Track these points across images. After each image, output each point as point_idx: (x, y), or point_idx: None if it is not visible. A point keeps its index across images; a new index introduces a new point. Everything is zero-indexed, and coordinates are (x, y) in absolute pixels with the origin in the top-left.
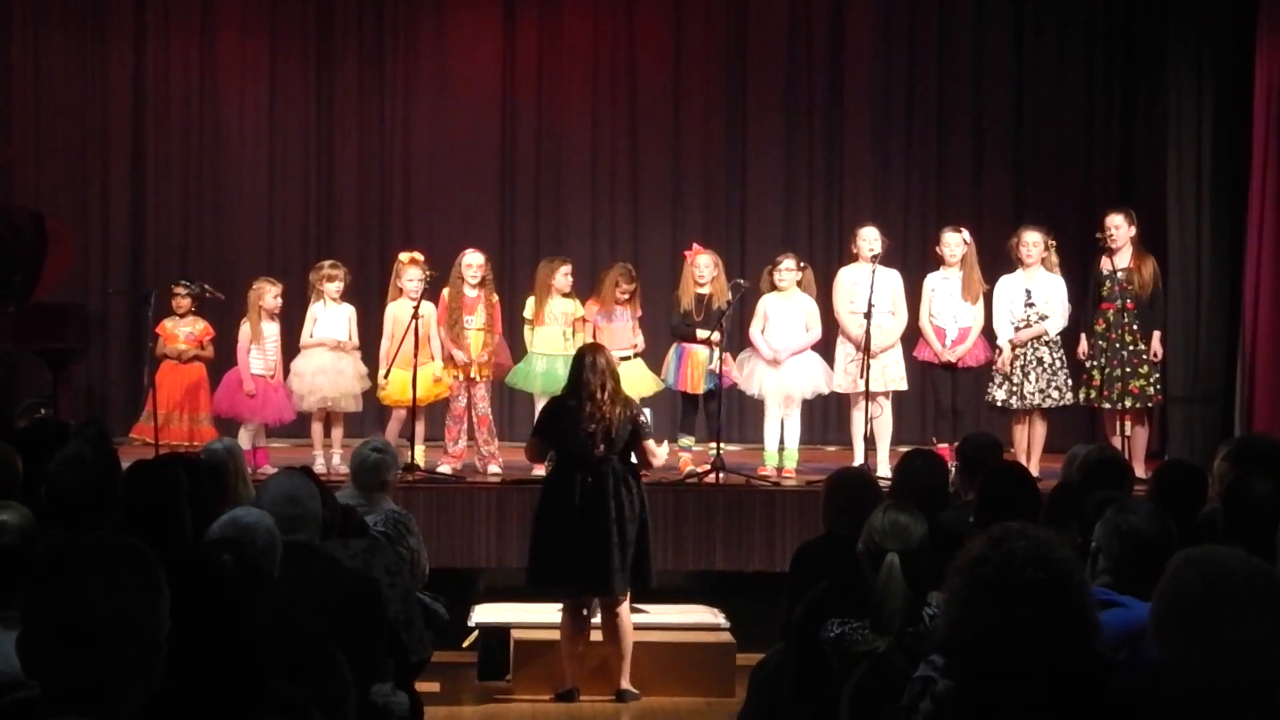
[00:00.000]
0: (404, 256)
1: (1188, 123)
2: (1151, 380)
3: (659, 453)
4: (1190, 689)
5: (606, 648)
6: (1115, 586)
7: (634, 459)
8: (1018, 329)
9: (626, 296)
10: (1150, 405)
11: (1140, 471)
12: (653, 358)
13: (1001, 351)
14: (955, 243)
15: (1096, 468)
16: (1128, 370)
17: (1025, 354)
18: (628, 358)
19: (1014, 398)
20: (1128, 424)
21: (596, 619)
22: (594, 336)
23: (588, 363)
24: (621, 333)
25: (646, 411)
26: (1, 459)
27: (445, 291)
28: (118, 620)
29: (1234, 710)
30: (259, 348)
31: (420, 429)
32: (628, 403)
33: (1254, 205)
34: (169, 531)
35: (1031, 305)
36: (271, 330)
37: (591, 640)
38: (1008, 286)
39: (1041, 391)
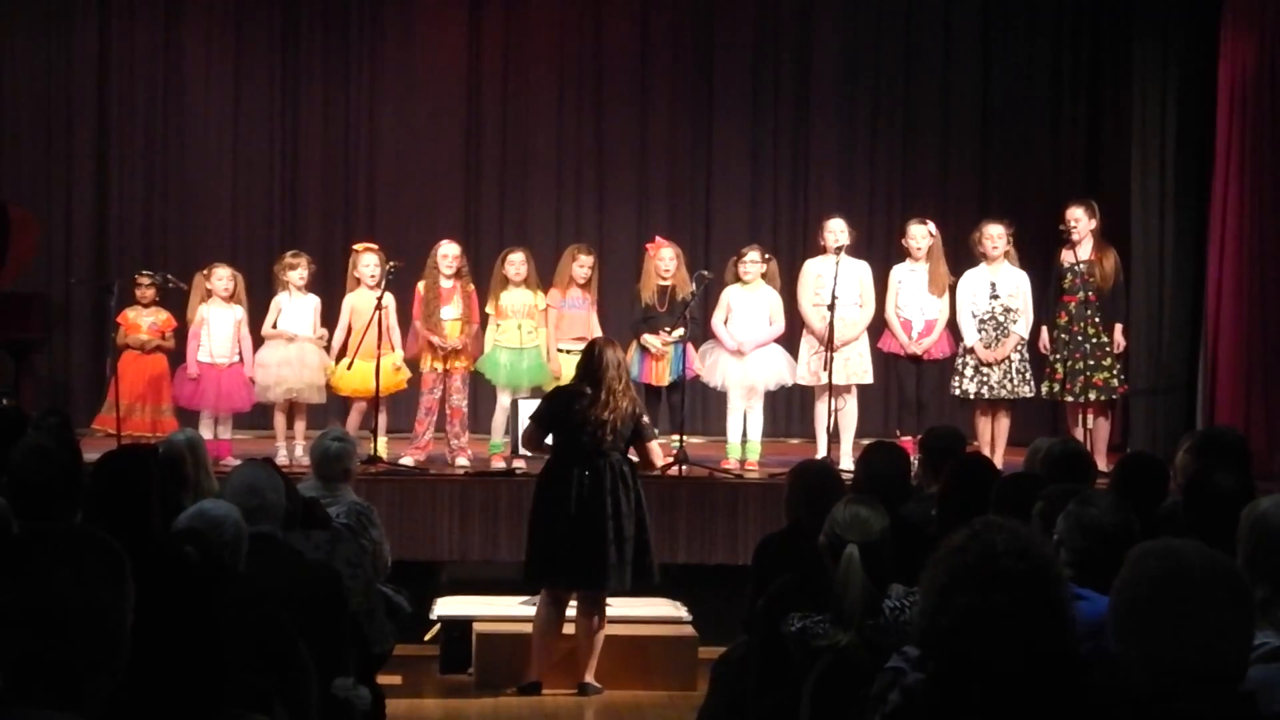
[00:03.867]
0: (358, 246)
1: (1152, 117)
2: (1115, 372)
3: (659, 454)
4: (1153, 682)
5: (577, 641)
6: (1076, 580)
7: (634, 457)
8: (982, 321)
9: (586, 274)
10: (1114, 397)
11: (1102, 464)
12: None
13: (973, 350)
14: (920, 235)
15: (1059, 461)
16: (1090, 363)
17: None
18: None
19: (984, 388)
20: (1090, 416)
21: (571, 611)
22: (556, 325)
23: (607, 354)
24: (579, 321)
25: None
26: None
27: (420, 284)
28: (82, 611)
29: (1195, 701)
30: (205, 333)
31: (382, 420)
32: (634, 400)
33: (1216, 199)
34: (136, 522)
35: (996, 298)
36: (225, 315)
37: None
38: (972, 280)
39: (1009, 383)
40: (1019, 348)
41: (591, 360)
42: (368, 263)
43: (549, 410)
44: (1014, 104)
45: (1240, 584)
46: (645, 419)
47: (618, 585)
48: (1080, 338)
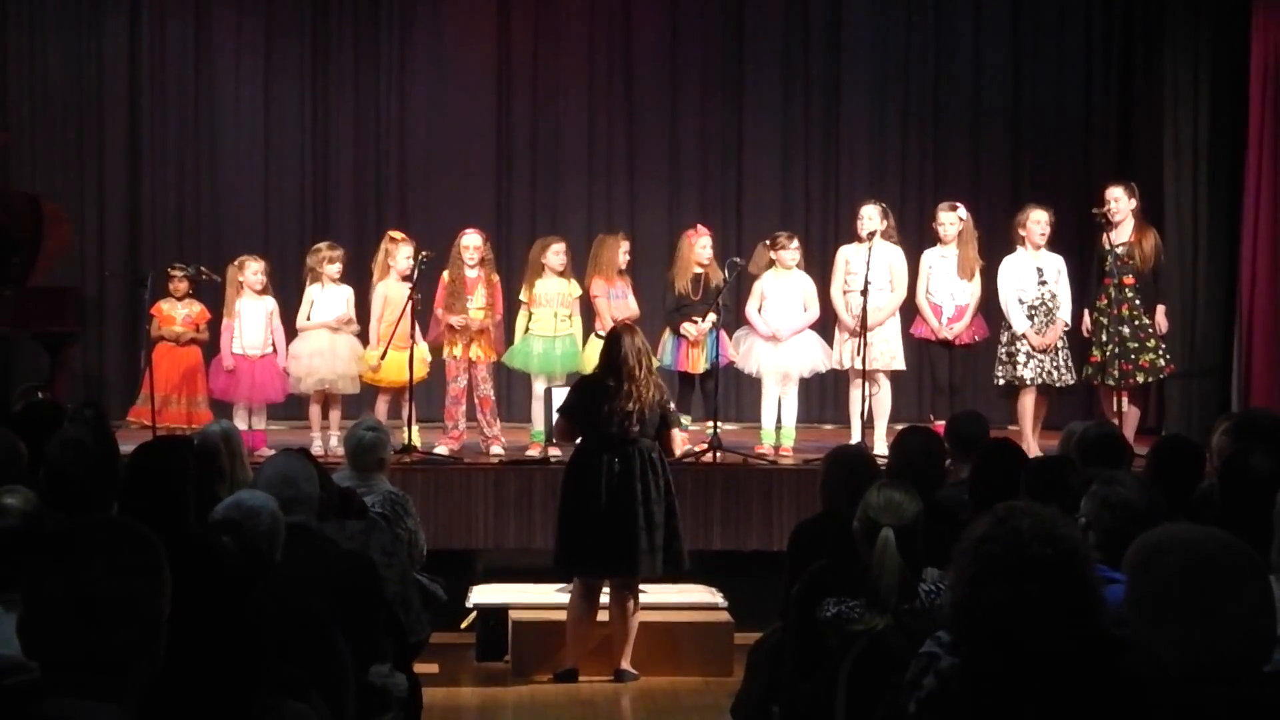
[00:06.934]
0: (396, 235)
1: (1185, 98)
2: (1160, 353)
3: (680, 442)
4: (1181, 669)
5: (611, 628)
6: (1105, 561)
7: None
8: (1032, 308)
9: (627, 259)
10: (1163, 377)
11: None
12: (650, 337)
13: (1024, 337)
14: (949, 220)
15: (1094, 444)
16: (1134, 345)
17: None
18: None
19: (1041, 374)
20: (1124, 399)
21: (605, 599)
22: (607, 315)
23: (625, 342)
24: (625, 309)
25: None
26: (4, 443)
27: (445, 273)
28: (119, 602)
29: (1224, 685)
30: (238, 324)
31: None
32: (659, 386)
33: (1250, 181)
34: (172, 514)
35: (1044, 284)
36: (257, 307)
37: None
38: (1016, 266)
39: (1059, 369)
40: (1063, 333)
41: (612, 351)
42: (406, 254)
43: (576, 402)
44: (1045, 86)
45: (1256, 564)
46: (671, 405)
47: (649, 572)
48: (1121, 320)
